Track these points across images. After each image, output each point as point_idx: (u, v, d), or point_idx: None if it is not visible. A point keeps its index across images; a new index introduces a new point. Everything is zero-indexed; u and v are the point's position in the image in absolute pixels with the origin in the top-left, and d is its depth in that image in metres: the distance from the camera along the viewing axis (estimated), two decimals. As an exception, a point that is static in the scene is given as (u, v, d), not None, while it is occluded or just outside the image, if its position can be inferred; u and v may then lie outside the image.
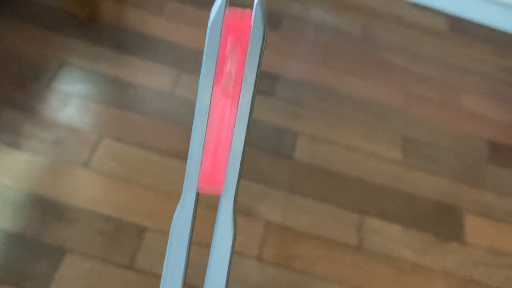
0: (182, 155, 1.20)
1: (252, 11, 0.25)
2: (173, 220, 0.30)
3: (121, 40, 1.44)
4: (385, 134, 1.41)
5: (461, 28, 1.86)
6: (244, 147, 0.27)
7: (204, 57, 0.26)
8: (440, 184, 1.33)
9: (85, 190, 1.11)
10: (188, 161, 0.28)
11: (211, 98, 0.26)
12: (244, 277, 1.04)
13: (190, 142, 0.28)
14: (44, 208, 1.05)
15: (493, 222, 1.28)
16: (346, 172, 1.29)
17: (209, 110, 0.27)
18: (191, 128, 0.28)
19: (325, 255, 1.11)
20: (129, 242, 1.04)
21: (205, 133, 0.27)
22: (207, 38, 0.26)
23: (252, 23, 0.25)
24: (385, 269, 1.13)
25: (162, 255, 1.17)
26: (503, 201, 1.34)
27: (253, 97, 0.26)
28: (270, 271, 1.07)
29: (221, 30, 0.25)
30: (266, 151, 1.28)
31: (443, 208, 1.28)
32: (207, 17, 0.26)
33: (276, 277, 1.07)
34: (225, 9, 0.25)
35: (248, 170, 1.22)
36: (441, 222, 1.25)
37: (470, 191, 1.34)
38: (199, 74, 0.27)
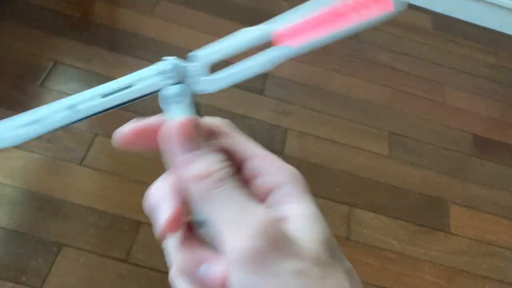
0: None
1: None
2: None
3: (113, 40, 1.47)
4: (371, 129, 1.45)
5: (445, 25, 1.91)
6: None
7: None
8: (426, 176, 1.37)
9: (80, 186, 1.13)
10: None
11: None
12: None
13: None
14: (40, 205, 1.07)
15: (478, 212, 1.32)
16: (334, 166, 1.32)
17: None
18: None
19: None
20: (124, 237, 1.06)
21: None
22: None
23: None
24: (374, 260, 1.16)
25: (157, 249, 1.20)
26: (487, 193, 1.38)
27: None
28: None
29: None
30: (256, 147, 1.31)
31: (428, 200, 1.32)
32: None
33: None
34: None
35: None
36: (427, 213, 1.29)
37: (455, 183, 1.38)
38: None
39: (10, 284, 0.95)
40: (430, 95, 1.62)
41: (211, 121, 0.25)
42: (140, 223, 1.08)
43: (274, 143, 1.33)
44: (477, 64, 1.80)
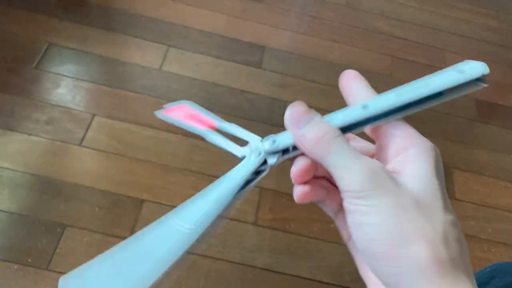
0: (174, 130, 1.22)
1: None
2: None
3: (108, 20, 1.45)
4: (373, 98, 1.43)
5: (444, -10, 1.87)
6: None
7: None
8: (429, 143, 1.36)
9: (80, 167, 1.12)
10: None
11: None
12: (242, 241, 1.07)
13: None
14: (42, 187, 1.07)
15: (482, 177, 1.32)
16: (337, 137, 1.31)
17: None
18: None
19: (319, 218, 1.14)
20: (127, 215, 1.06)
21: None
22: None
23: None
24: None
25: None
26: (491, 157, 1.37)
27: None
28: (267, 234, 1.10)
29: None
30: (257, 121, 1.29)
31: (432, 166, 1.31)
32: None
33: (273, 239, 1.10)
34: None
35: (241, 141, 1.24)
36: (431, 180, 1.28)
37: (458, 149, 1.37)
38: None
39: (16, 266, 0.96)
40: (431, 61, 1.60)
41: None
42: (143, 201, 1.08)
43: (274, 116, 1.32)
44: (478, 28, 1.77)
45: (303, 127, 0.28)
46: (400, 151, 0.28)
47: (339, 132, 0.28)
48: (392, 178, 0.26)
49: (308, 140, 0.28)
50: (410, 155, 0.27)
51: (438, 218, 0.26)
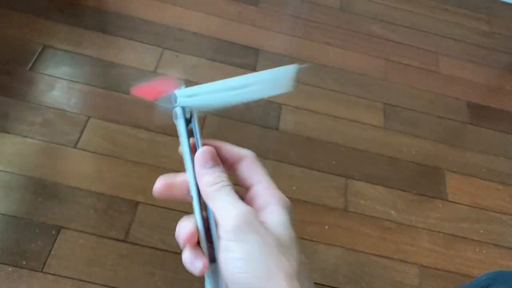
0: (168, 132, 1.22)
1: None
2: None
3: (103, 22, 1.45)
4: (366, 101, 1.45)
5: (437, -6, 1.89)
6: None
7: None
8: (422, 146, 1.37)
9: (75, 169, 1.12)
10: None
11: None
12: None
13: None
14: (36, 189, 1.07)
15: (474, 179, 1.33)
16: (330, 139, 1.32)
17: None
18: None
19: (313, 219, 1.15)
20: (122, 217, 1.06)
21: None
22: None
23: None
24: (372, 230, 1.17)
25: (155, 228, 1.20)
26: (483, 159, 1.38)
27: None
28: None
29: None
30: (252, 123, 1.30)
31: (425, 168, 1.32)
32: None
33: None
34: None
35: (236, 143, 1.25)
36: (424, 182, 1.29)
37: (451, 152, 1.38)
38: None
39: (10, 268, 0.96)
40: (424, 64, 1.61)
41: (241, 151, 0.37)
42: (138, 203, 1.08)
43: (269, 119, 1.33)
44: (470, 32, 1.79)
45: (205, 169, 0.34)
46: (266, 204, 0.34)
47: (229, 182, 0.34)
48: (260, 222, 0.32)
49: (203, 181, 0.34)
50: (274, 209, 0.33)
51: (295, 258, 0.31)
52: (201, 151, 0.35)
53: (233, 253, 0.31)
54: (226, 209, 0.32)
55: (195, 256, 0.33)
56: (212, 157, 0.35)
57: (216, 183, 0.34)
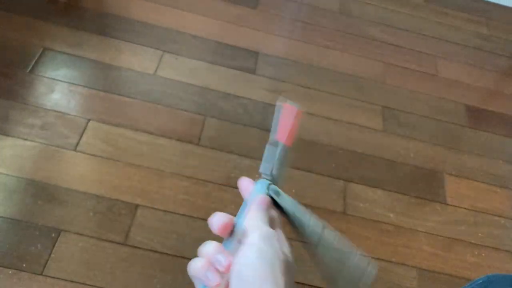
0: (168, 135, 1.22)
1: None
2: None
3: (102, 24, 1.45)
4: (365, 104, 1.45)
5: (436, -2, 1.90)
6: None
7: None
8: (420, 149, 1.38)
9: (75, 172, 1.13)
10: None
11: None
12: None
13: None
14: (36, 192, 1.07)
15: (472, 182, 1.33)
16: (329, 142, 1.33)
17: None
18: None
19: (312, 222, 1.15)
20: (122, 220, 1.07)
21: None
22: None
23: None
24: (371, 233, 1.17)
25: (155, 231, 1.20)
26: (481, 162, 1.39)
27: None
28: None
29: None
30: (252, 126, 1.30)
31: (423, 172, 1.33)
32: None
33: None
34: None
35: (236, 146, 1.25)
36: (423, 185, 1.30)
37: (449, 155, 1.39)
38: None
39: (10, 271, 0.96)
40: (422, 67, 1.62)
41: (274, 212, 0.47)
42: (137, 206, 1.09)
43: (268, 122, 1.33)
44: (468, 35, 1.79)
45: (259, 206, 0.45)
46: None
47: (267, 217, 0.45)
48: (277, 241, 0.41)
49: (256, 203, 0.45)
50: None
51: (293, 275, 0.40)
52: (261, 197, 0.45)
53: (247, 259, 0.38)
54: (255, 228, 0.41)
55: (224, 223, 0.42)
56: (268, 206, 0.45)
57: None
